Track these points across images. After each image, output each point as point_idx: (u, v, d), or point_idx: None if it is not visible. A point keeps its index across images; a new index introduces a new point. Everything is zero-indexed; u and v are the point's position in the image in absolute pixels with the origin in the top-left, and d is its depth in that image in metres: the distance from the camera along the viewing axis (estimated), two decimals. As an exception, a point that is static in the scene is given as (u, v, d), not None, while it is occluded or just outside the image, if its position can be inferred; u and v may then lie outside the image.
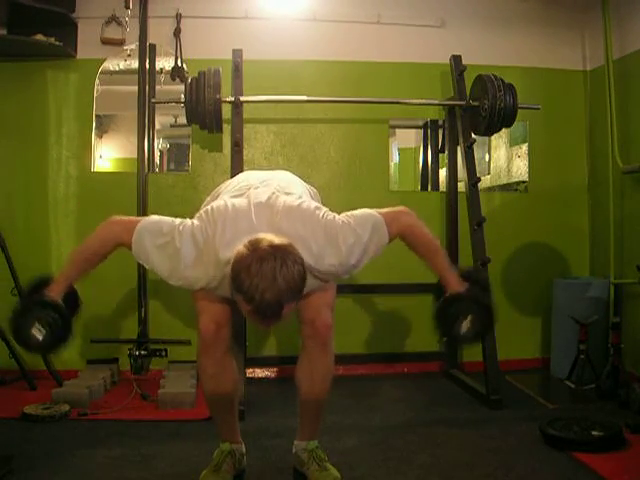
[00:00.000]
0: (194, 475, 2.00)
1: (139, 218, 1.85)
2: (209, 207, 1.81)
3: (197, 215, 1.82)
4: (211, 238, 1.72)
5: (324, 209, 1.85)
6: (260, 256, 1.55)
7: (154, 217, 1.85)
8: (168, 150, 3.56)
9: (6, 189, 3.33)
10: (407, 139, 3.82)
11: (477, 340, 2.09)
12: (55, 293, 1.80)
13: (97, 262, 1.87)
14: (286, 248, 1.60)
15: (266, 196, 1.81)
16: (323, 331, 1.90)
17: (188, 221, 1.79)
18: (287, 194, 1.86)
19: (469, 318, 1.91)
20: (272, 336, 3.46)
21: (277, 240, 1.61)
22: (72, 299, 1.91)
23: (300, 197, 1.88)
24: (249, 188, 1.89)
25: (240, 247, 1.60)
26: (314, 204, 1.87)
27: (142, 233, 1.77)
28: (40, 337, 1.74)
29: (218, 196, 1.99)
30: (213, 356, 1.90)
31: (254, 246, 1.58)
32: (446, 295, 1.95)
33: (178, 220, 1.80)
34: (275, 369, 3.43)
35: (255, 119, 3.41)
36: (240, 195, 1.87)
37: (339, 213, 1.87)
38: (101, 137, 3.44)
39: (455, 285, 1.94)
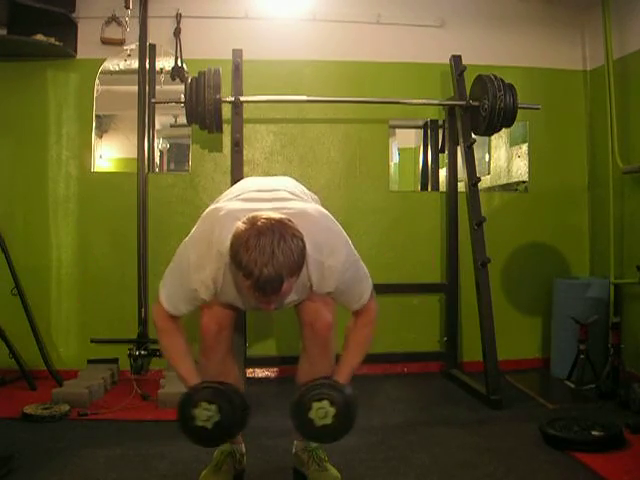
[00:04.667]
0: (194, 475, 2.00)
1: (161, 301, 1.84)
2: (206, 211, 1.84)
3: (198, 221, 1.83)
4: (210, 234, 1.72)
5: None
6: (258, 230, 1.53)
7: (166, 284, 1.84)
8: (168, 150, 3.56)
9: (6, 189, 3.33)
10: (407, 139, 3.81)
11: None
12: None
13: (184, 337, 1.89)
14: (284, 222, 1.58)
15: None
16: (323, 332, 1.90)
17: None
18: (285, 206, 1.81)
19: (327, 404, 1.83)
20: (272, 336, 3.46)
21: (275, 215, 1.60)
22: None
23: (299, 200, 1.86)
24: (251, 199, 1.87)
25: (239, 224, 1.59)
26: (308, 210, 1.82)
27: (167, 300, 1.81)
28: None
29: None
30: (215, 357, 1.91)
31: (252, 222, 1.57)
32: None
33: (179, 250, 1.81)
34: (275, 369, 3.43)
35: (255, 119, 3.41)
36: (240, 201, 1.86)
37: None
38: (101, 137, 3.44)
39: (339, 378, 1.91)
